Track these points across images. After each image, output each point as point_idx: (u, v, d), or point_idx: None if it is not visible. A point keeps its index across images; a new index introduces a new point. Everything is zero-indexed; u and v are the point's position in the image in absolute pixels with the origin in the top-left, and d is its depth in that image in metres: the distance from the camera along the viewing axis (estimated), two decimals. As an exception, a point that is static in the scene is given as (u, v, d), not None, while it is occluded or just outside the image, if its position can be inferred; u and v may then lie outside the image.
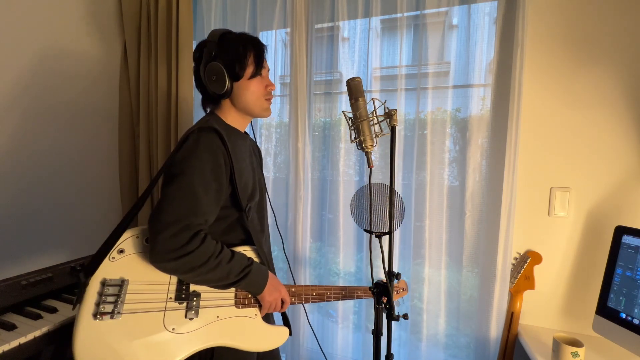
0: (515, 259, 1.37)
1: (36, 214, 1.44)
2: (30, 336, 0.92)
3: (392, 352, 0.92)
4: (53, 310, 1.05)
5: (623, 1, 1.21)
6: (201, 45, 0.98)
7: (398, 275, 0.95)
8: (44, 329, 0.95)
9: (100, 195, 1.72)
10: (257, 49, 0.98)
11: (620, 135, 1.24)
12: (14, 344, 0.88)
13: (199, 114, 1.71)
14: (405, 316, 0.93)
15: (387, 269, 0.93)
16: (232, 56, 0.95)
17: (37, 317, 1.00)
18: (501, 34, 1.29)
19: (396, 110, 0.90)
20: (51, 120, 1.48)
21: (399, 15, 1.40)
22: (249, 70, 0.97)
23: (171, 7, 1.62)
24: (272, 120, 1.66)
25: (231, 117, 1.01)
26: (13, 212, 1.36)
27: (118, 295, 0.84)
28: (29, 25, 1.39)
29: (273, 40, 1.62)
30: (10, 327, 0.93)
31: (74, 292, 1.19)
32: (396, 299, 1.24)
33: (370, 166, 0.91)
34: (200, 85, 1.01)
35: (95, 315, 0.82)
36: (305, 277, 1.59)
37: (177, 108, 1.63)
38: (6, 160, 1.34)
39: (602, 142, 1.26)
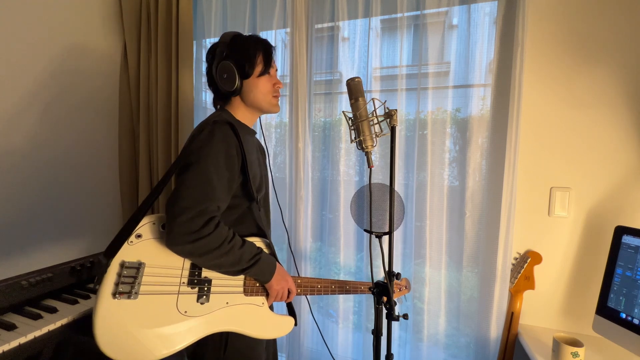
0: (515, 259, 1.37)
1: (36, 214, 1.44)
2: (30, 336, 0.92)
3: (392, 352, 0.93)
4: (53, 310, 1.05)
5: (623, 1, 1.21)
6: (213, 47, 1.04)
7: (398, 275, 0.96)
8: (44, 329, 0.96)
9: (100, 195, 1.72)
10: (266, 49, 1.03)
11: (620, 135, 1.24)
12: (14, 344, 0.89)
13: (199, 114, 1.71)
14: (405, 316, 0.94)
15: (387, 269, 0.93)
16: (242, 55, 1.00)
17: (37, 317, 1.00)
18: (501, 34, 1.29)
19: (396, 110, 0.90)
20: (50, 120, 1.48)
21: (399, 15, 1.40)
22: (258, 68, 1.02)
23: (171, 7, 1.62)
24: (272, 120, 1.66)
25: (241, 112, 1.06)
26: (13, 211, 1.36)
27: (135, 277, 0.88)
28: (26, 26, 1.39)
29: (273, 41, 1.61)
30: (10, 327, 0.94)
31: (74, 292, 1.19)
32: (398, 297, 1.24)
33: (370, 166, 0.92)
34: (212, 84, 1.06)
35: (114, 295, 0.86)
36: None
37: (177, 108, 1.63)
38: (5, 160, 1.34)
39: (602, 142, 1.26)
